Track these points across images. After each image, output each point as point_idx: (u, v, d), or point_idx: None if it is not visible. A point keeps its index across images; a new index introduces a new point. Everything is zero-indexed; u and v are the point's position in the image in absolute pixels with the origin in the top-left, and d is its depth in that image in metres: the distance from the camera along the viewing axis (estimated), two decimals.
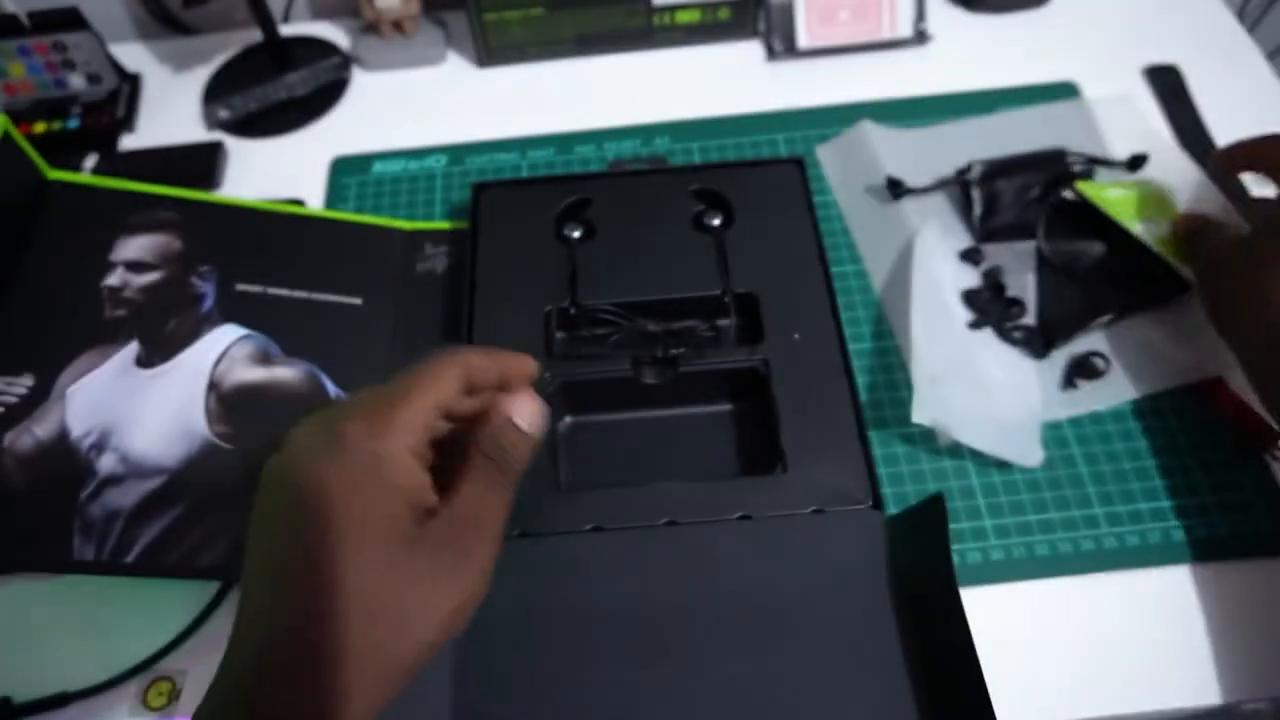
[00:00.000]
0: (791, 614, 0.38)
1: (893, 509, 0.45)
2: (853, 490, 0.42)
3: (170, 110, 0.69)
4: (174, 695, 0.44)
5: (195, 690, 0.44)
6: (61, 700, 0.43)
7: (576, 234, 0.51)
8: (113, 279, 0.49)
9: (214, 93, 0.69)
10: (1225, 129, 0.61)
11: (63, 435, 0.45)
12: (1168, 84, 0.64)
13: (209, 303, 0.50)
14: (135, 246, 0.51)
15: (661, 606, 0.39)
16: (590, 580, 0.40)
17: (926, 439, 0.48)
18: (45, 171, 0.51)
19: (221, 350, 0.49)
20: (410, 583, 0.28)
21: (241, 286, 0.51)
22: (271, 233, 0.54)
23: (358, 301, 0.53)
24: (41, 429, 0.45)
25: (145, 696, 0.44)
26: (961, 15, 0.70)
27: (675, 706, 0.37)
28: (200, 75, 0.71)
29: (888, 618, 0.38)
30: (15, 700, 0.43)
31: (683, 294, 0.49)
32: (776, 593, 0.39)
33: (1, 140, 0.48)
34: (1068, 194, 0.55)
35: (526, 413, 0.32)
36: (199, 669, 0.44)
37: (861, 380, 0.50)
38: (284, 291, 0.52)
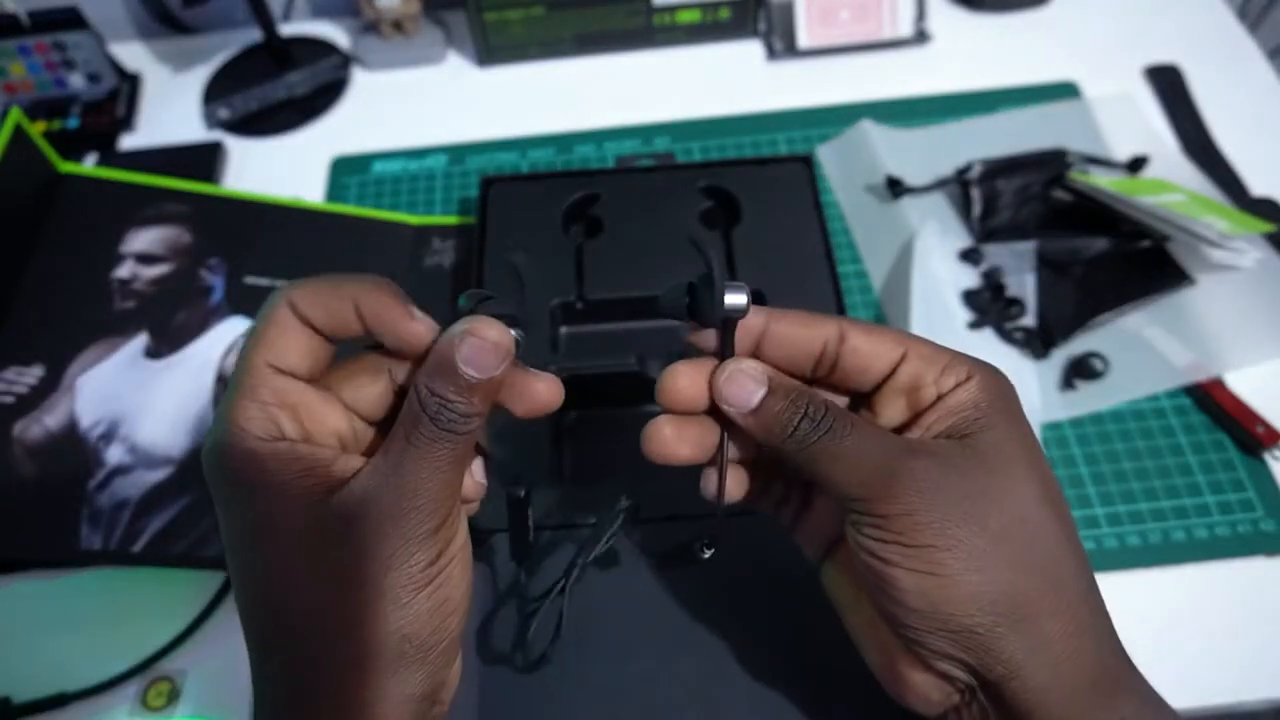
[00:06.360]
0: (786, 617, 0.38)
1: None
2: None
3: (170, 110, 0.69)
4: (174, 695, 0.43)
5: (195, 690, 0.44)
6: (61, 700, 0.43)
7: (583, 229, 0.51)
8: (123, 271, 0.50)
9: (214, 92, 0.69)
10: (1226, 128, 0.61)
11: (72, 425, 0.45)
12: (1168, 84, 0.64)
13: (218, 295, 0.50)
14: (145, 239, 0.51)
15: (654, 607, 0.39)
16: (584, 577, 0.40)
17: None
18: (57, 164, 0.51)
19: (229, 342, 0.49)
20: (328, 574, 0.22)
21: (250, 279, 0.51)
22: (280, 227, 0.54)
23: None
24: (51, 419, 0.45)
25: (145, 696, 0.43)
26: (962, 15, 0.70)
27: (664, 705, 0.38)
28: (200, 75, 0.71)
29: None
30: (15, 700, 0.43)
31: None
32: (770, 596, 0.39)
33: (14, 133, 0.48)
34: (1061, 194, 0.55)
35: (471, 351, 0.23)
36: (199, 669, 0.44)
37: None
38: None
